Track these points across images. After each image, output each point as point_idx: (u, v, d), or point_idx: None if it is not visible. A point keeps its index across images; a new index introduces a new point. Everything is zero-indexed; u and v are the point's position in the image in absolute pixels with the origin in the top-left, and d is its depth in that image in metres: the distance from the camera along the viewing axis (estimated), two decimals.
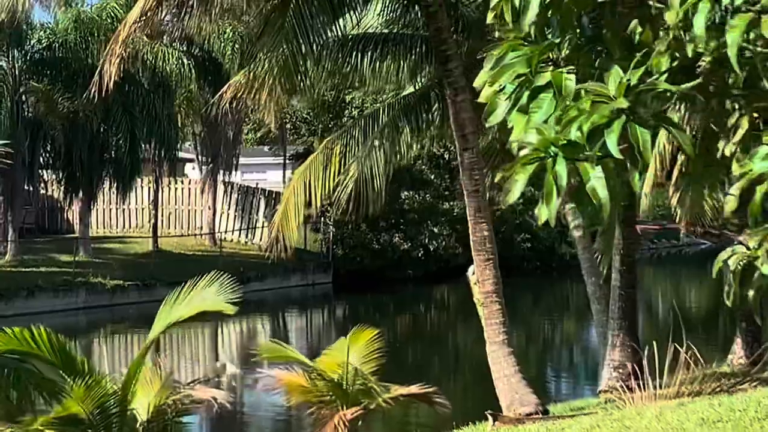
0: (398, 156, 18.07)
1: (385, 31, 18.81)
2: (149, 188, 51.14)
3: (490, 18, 5.50)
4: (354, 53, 18.12)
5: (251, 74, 16.77)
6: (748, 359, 18.72)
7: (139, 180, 47.74)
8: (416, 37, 18.21)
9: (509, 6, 5.38)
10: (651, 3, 5.06)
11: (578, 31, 5.27)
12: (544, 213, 4.66)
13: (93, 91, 16.83)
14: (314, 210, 18.22)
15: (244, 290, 10.94)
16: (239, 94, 17.22)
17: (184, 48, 45.77)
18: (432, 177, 53.78)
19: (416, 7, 17.63)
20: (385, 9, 18.35)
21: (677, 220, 19.29)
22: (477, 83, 5.69)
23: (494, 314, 15.87)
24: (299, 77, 16.80)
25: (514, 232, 54.73)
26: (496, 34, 5.70)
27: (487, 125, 5.39)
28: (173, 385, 11.44)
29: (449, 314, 47.60)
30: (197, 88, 47.52)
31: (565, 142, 4.69)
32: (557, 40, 5.14)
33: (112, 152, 45.02)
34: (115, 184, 45.39)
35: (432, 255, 52.82)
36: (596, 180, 4.59)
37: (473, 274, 16.09)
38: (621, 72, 4.76)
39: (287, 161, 56.68)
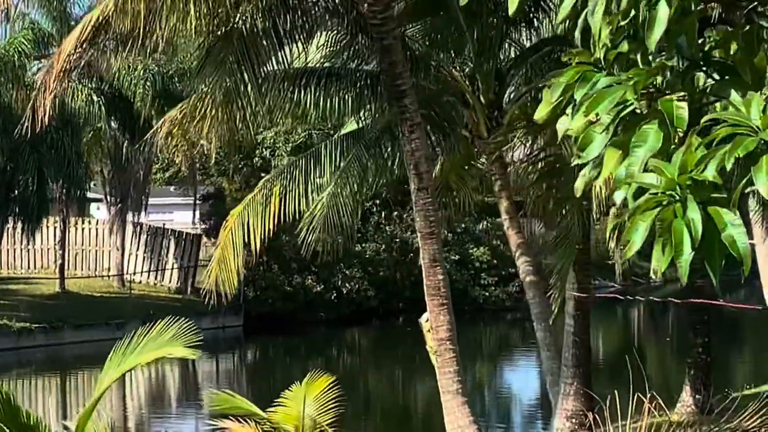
0: (366, 192, 17.40)
1: (328, 64, 18.15)
2: (56, 228, 49.67)
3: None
4: (297, 87, 17.44)
5: (190, 107, 16.06)
6: (697, 407, 18.31)
7: (45, 219, 46.27)
8: (361, 72, 17.60)
9: (579, 27, 4.74)
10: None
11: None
12: (673, 266, 3.95)
13: (25, 126, 15.98)
14: (254, 252, 17.32)
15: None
16: (174, 130, 16.48)
17: (93, 85, 44.59)
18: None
19: (363, 37, 16.97)
20: (329, 40, 17.68)
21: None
22: (538, 116, 5.05)
23: (448, 362, 15.21)
24: (241, 112, 16.12)
25: None
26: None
27: (577, 162, 4.70)
28: None
29: (362, 358, 46.97)
30: (106, 126, 46.39)
31: (689, 182, 4.02)
32: (669, 62, 4.47)
33: (19, 191, 43.58)
34: (21, 224, 43.92)
35: (344, 298, 52.04)
36: (735, 228, 3.93)
37: (426, 320, 15.41)
38: (761, 99, 4.09)
39: (197, 202, 55.71)
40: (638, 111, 4.46)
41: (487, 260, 54.98)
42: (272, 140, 52.61)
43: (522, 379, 40.19)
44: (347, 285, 52.26)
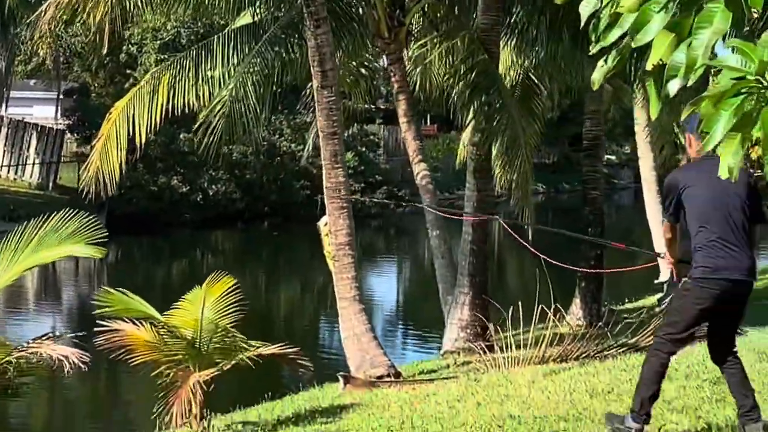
0: (273, 85, 16.58)
1: None
2: None
3: None
4: None
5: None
6: (586, 320, 18.12)
7: None
8: None
9: None
10: None
11: None
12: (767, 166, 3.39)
13: None
14: (139, 145, 16.45)
15: (13, 229, 9.40)
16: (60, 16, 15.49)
17: None
18: None
19: None
20: None
21: None
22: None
23: (346, 268, 14.62)
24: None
25: (293, 179, 53.55)
26: None
27: (634, 45, 4.10)
28: (11, 344, 9.87)
29: (226, 260, 46.26)
30: None
31: None
32: None
33: None
34: None
35: (210, 199, 51.20)
36: None
37: (325, 224, 14.80)
38: None
39: (60, 97, 54.00)
40: None
41: (354, 166, 54.49)
42: (140, 36, 51.17)
43: (410, 287, 39.98)
44: (213, 187, 51.45)
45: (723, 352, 8.51)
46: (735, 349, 8.54)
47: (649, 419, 8.63)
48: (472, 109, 16.86)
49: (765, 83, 3.47)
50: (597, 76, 4.53)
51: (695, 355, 12.84)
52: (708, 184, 8.22)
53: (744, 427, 8.37)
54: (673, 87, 3.87)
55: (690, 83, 3.84)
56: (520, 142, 15.82)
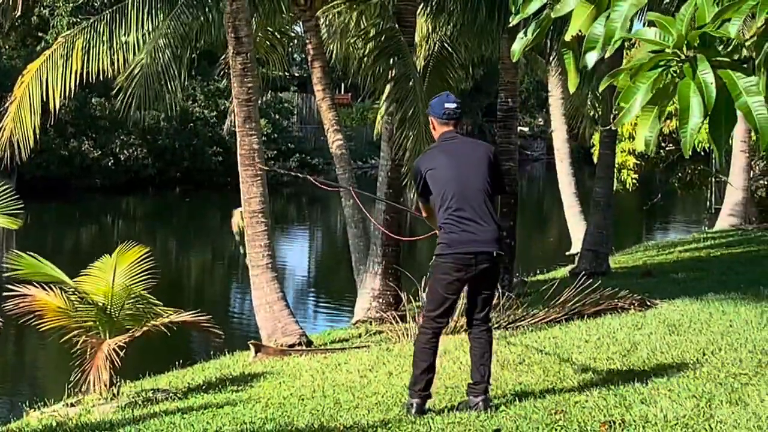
0: (187, 49, 16.35)
1: None
2: None
3: None
4: None
5: None
6: (498, 291, 18.13)
7: None
8: None
9: None
10: None
11: None
12: (685, 138, 3.39)
13: None
14: (53, 111, 16.19)
15: None
16: None
17: None
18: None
19: None
20: None
21: None
22: None
23: (259, 236, 14.54)
24: None
25: (205, 145, 53.20)
26: None
27: (553, 15, 4.09)
28: None
29: (138, 226, 45.80)
30: None
31: (698, 41, 3.46)
32: None
33: None
34: None
35: (122, 165, 50.70)
36: (752, 96, 3.38)
37: (240, 212, 14.66)
38: None
39: None
40: None
41: (267, 133, 54.24)
42: None
43: (322, 256, 39.86)
44: (125, 152, 50.95)
45: (473, 320, 8.88)
46: (487, 321, 8.96)
47: (429, 395, 8.93)
48: (374, 73, 16.84)
49: (682, 56, 3.48)
50: (517, 47, 4.52)
51: (605, 327, 12.98)
52: (448, 164, 8.67)
53: (470, 398, 8.86)
54: (591, 59, 3.88)
55: (607, 55, 3.85)
56: (418, 113, 15.75)
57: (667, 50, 3.52)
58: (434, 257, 8.81)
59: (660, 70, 3.49)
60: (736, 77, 3.41)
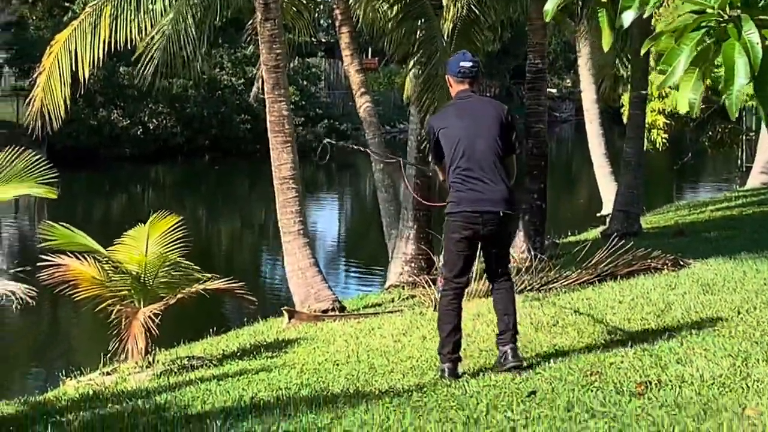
0: (213, 16, 16.28)
1: None
2: None
3: None
4: None
5: None
6: (530, 253, 18.12)
7: None
8: None
9: None
10: None
11: None
12: (730, 100, 3.34)
13: None
14: (82, 81, 16.16)
15: None
16: None
17: None
18: None
19: None
20: None
21: None
22: None
23: (290, 202, 14.51)
24: None
25: (233, 112, 53.17)
26: None
27: None
28: None
29: (167, 194, 45.89)
30: None
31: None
32: None
33: None
34: None
35: (150, 133, 50.75)
36: None
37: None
38: None
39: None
40: None
41: (295, 100, 54.21)
42: None
43: (353, 222, 39.82)
44: (153, 121, 51.00)
45: (493, 275, 8.92)
46: (506, 274, 8.96)
47: (459, 358, 8.93)
48: (402, 36, 16.81)
49: (725, 16, 3.42)
50: (549, 7, 4.47)
51: (638, 287, 12.92)
52: (459, 123, 8.69)
53: (498, 346, 8.88)
54: (628, 18, 3.83)
55: (645, 15, 3.80)
56: (442, 76, 15.64)
57: (709, 10, 3.46)
58: (445, 217, 8.86)
59: (702, 31, 3.43)
60: None
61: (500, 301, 8.95)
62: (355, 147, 15.31)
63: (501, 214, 8.65)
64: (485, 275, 9.66)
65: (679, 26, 3.46)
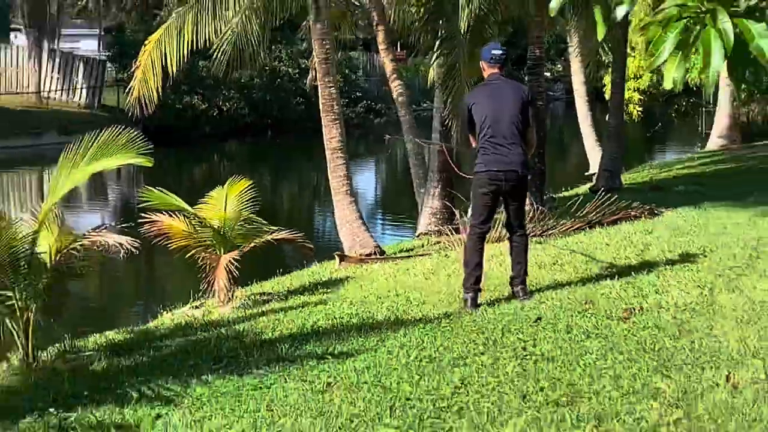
0: (273, 19, 16.14)
1: None
2: None
3: None
4: None
5: None
6: (533, 206, 17.97)
7: None
8: None
9: None
10: None
11: None
12: (707, 79, 3.25)
13: None
14: (171, 75, 16.06)
15: (70, 140, 9.18)
16: None
17: None
18: None
19: None
20: None
21: None
22: None
23: (339, 168, 14.46)
24: None
25: (291, 97, 53.05)
26: None
27: None
28: (75, 231, 9.69)
29: (239, 164, 45.79)
30: None
31: None
32: None
33: None
34: None
35: (225, 115, 50.71)
36: (764, 39, 3.23)
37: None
38: None
39: (102, 33, 53.11)
40: None
41: (340, 86, 53.85)
42: None
43: (388, 183, 39.75)
44: (227, 105, 50.95)
45: (511, 227, 9.04)
46: (522, 228, 9.12)
47: (480, 289, 8.97)
48: (427, 33, 16.69)
49: (704, 8, 3.32)
50: (554, 5, 4.37)
51: (622, 232, 12.82)
52: (488, 100, 8.84)
53: (512, 287, 9.07)
54: (621, 12, 3.74)
55: (634, 9, 3.70)
56: (459, 70, 15.47)
57: (690, 3, 3.37)
58: (474, 175, 8.94)
59: (684, 21, 3.34)
60: (751, 24, 3.26)
61: (515, 251, 9.05)
62: (418, 140, 15.58)
63: (519, 173, 8.75)
64: (503, 226, 9.68)
65: (665, 17, 3.36)
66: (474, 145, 9.12)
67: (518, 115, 8.77)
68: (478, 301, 8.93)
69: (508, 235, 9.31)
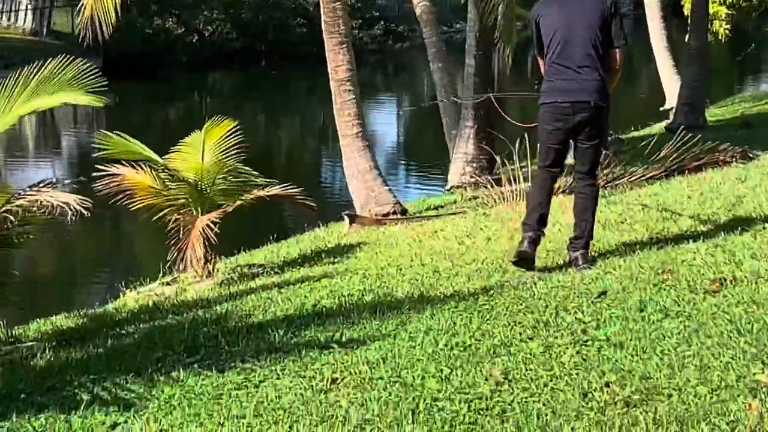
0: None
1: None
2: None
3: None
4: None
5: None
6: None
7: None
8: None
9: None
10: None
11: None
12: None
13: None
14: None
15: (9, 75, 9.05)
16: None
17: None
18: None
19: None
20: None
21: None
22: None
23: (347, 104, 14.28)
24: None
25: (289, 16, 52.98)
26: None
27: None
28: (12, 189, 9.57)
29: (224, 100, 45.84)
30: None
31: None
32: None
33: None
34: None
35: (206, 40, 50.72)
36: None
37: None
38: None
39: None
40: None
41: (352, 3, 53.77)
42: None
43: (412, 124, 39.55)
44: (209, 27, 50.94)
45: (580, 174, 8.85)
46: (591, 176, 8.93)
47: (542, 232, 8.87)
48: None
49: None
50: None
51: (707, 181, 12.66)
52: (559, 12, 8.62)
53: (569, 252, 8.89)
54: None
55: None
56: None
57: None
58: (539, 109, 8.74)
59: None
60: None
61: (580, 205, 8.89)
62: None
63: (592, 104, 8.49)
64: (573, 173, 9.49)
65: None
66: (544, 69, 8.94)
67: (597, 32, 8.55)
68: (535, 248, 8.82)
69: (571, 184, 9.21)
